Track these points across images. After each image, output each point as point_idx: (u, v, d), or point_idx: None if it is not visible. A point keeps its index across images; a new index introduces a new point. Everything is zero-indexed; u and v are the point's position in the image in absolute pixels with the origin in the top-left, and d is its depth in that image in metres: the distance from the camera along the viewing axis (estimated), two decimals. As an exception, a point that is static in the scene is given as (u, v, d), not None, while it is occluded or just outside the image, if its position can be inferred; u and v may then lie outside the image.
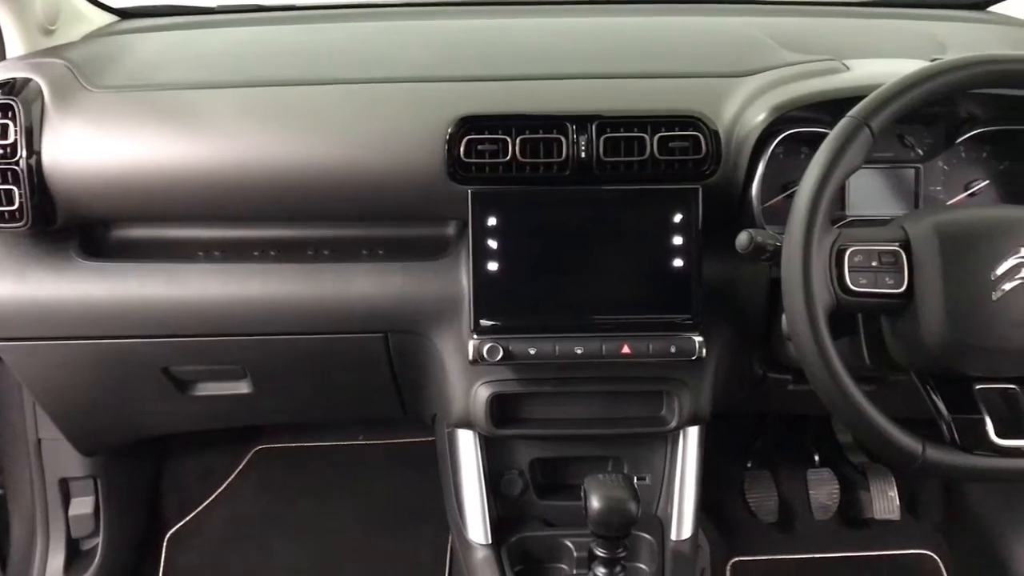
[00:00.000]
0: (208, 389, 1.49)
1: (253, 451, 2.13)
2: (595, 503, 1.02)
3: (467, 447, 1.40)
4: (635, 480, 1.42)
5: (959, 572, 1.95)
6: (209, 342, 1.36)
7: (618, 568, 1.07)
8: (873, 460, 2.06)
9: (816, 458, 2.10)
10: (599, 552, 1.06)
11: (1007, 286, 0.99)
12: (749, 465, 2.10)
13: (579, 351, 1.25)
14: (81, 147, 1.27)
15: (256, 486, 2.09)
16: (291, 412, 1.70)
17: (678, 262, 1.25)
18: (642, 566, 1.36)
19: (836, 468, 2.06)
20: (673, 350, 1.25)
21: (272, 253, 1.36)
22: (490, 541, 1.37)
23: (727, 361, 1.38)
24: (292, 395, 1.55)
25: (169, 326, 1.34)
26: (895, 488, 2.00)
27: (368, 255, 1.35)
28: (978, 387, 1.03)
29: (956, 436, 1.00)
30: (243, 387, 1.48)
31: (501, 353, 1.24)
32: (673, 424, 1.35)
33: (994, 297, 0.99)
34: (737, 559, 1.97)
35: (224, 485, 2.07)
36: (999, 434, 0.99)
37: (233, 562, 1.94)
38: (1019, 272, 0.99)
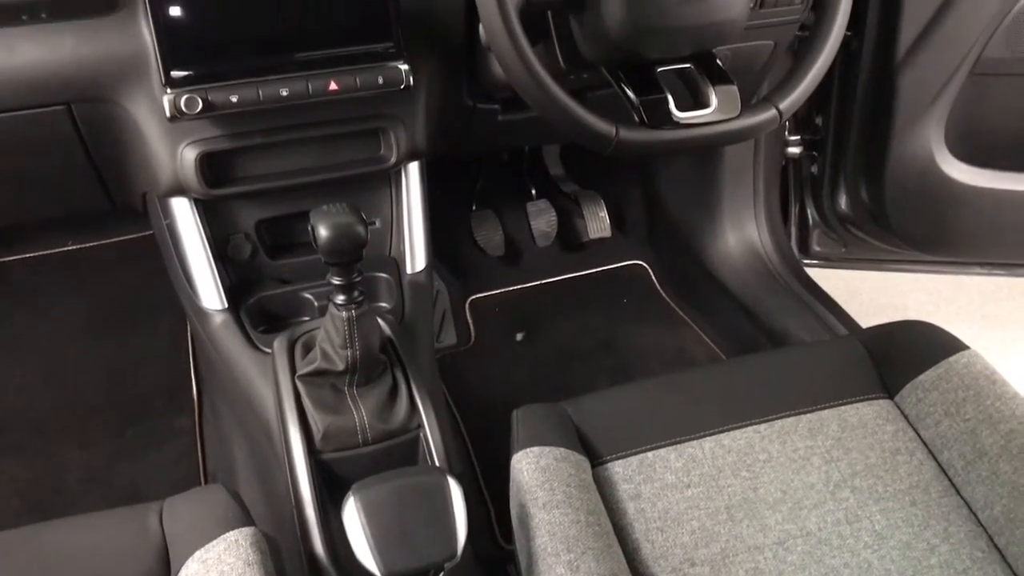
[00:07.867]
0: None
1: None
2: (323, 232, 1.02)
3: (184, 214, 1.34)
4: None
5: (663, 272, 2.20)
6: None
7: (356, 293, 1.09)
8: (584, 188, 2.23)
9: (533, 192, 2.23)
10: (335, 281, 1.07)
11: None
12: (474, 207, 2.20)
13: (284, 92, 1.20)
14: None
15: (-42, 312, 1.91)
16: None
17: None
18: (384, 304, 1.41)
19: (552, 199, 2.21)
20: (381, 81, 1.24)
21: None
22: (226, 306, 1.35)
23: (437, 92, 1.39)
24: None
25: None
26: (605, 210, 2.20)
27: (29, 19, 1.19)
28: (659, 70, 1.11)
29: (644, 117, 1.09)
30: None
31: (200, 104, 1.16)
32: (392, 160, 1.36)
33: None
34: (473, 297, 2.10)
35: None
36: (679, 108, 1.09)
37: None
38: None
